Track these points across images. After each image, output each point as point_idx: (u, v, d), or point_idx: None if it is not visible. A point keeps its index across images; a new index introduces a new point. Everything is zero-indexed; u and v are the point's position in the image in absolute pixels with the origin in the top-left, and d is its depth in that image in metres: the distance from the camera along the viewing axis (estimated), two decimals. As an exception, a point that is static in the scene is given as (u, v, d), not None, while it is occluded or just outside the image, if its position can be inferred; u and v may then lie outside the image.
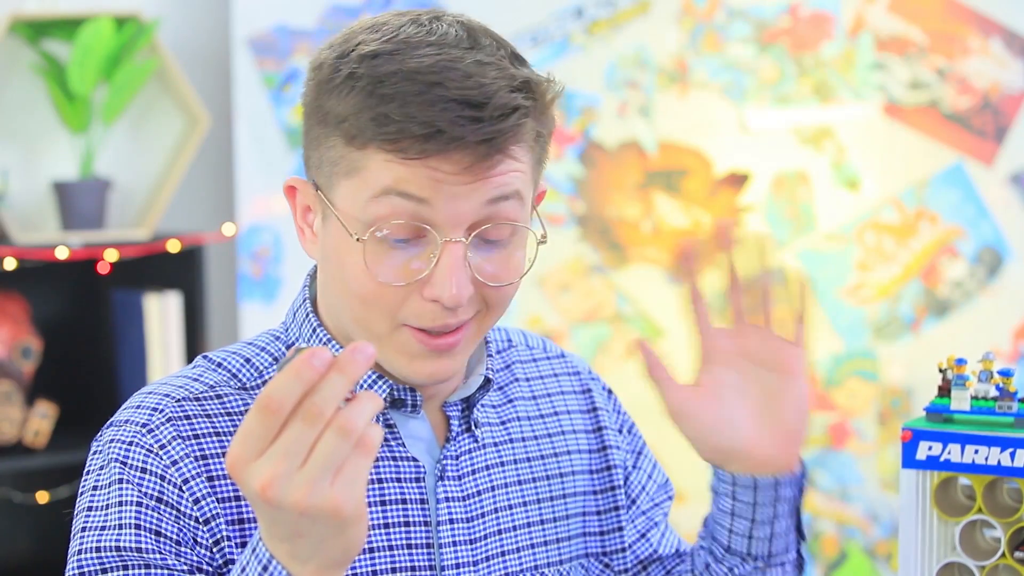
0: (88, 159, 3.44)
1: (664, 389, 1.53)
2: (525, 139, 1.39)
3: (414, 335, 1.40)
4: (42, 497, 3.51)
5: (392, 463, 1.45)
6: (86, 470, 1.44)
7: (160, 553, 1.36)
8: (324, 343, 1.47)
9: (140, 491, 1.38)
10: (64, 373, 3.56)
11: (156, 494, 1.38)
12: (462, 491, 1.49)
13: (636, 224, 3.76)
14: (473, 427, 1.50)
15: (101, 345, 3.57)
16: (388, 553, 1.43)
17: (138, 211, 3.60)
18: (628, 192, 3.76)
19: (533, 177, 1.43)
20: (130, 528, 1.36)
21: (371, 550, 1.43)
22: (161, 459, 1.39)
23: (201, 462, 1.39)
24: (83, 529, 1.39)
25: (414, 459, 1.46)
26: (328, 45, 1.43)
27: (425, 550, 1.45)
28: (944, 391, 1.40)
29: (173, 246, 3.43)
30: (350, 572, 1.41)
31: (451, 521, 1.47)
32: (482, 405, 1.53)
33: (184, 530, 1.38)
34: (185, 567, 1.37)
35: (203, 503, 1.38)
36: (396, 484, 1.45)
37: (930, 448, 1.37)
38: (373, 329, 1.40)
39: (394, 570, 1.43)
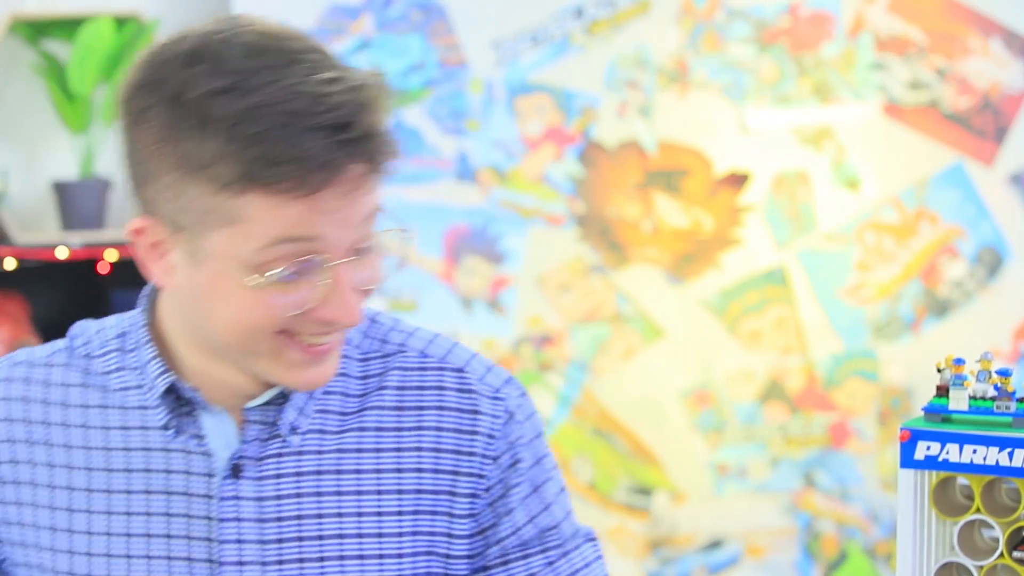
0: (88, 159, 3.44)
1: None
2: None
3: (299, 349, 1.42)
4: (42, 497, 3.51)
5: (183, 455, 1.48)
6: None
7: None
8: (153, 358, 1.49)
9: None
10: (64, 373, 3.56)
11: None
12: (258, 492, 1.47)
13: (636, 224, 3.76)
14: (285, 433, 1.48)
15: (101, 345, 3.57)
16: (166, 540, 1.47)
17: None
18: (628, 192, 3.76)
19: None
20: None
21: (149, 536, 1.47)
22: None
23: (5, 424, 1.50)
24: None
25: (206, 454, 1.47)
26: (137, 84, 1.40)
27: (205, 543, 1.47)
28: (942, 391, 1.39)
29: (173, 246, 3.43)
30: (125, 554, 1.47)
31: (238, 519, 1.47)
32: (321, 411, 1.50)
33: None
34: None
35: None
36: (184, 476, 1.47)
37: (928, 448, 1.37)
38: (256, 349, 1.42)
39: (170, 558, 1.47)
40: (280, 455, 1.48)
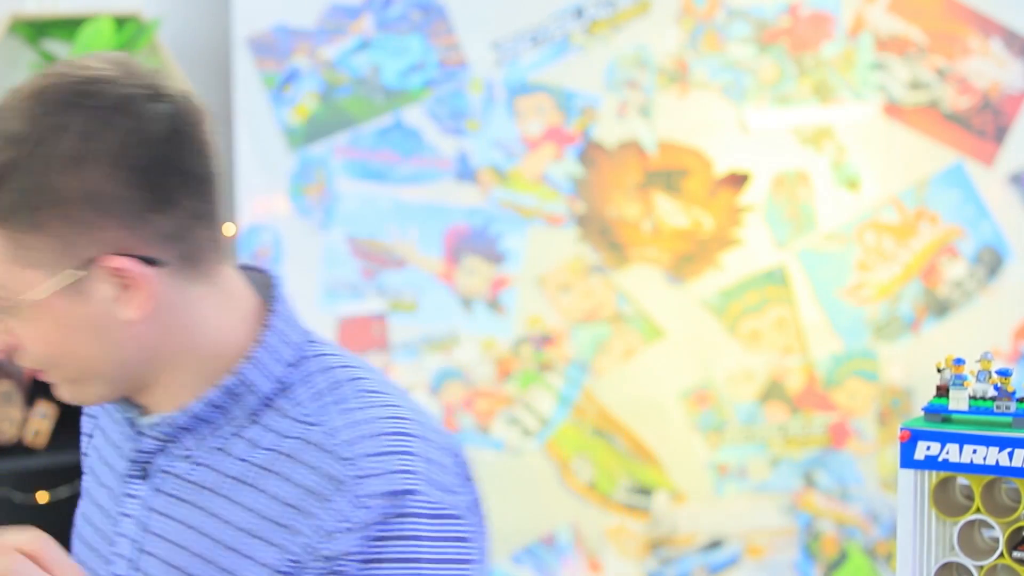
0: (88, 159, 3.44)
1: None
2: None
3: None
4: (42, 497, 3.51)
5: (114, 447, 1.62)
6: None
7: None
8: None
9: None
10: (64, 373, 3.56)
11: None
12: (151, 503, 1.53)
13: (636, 224, 3.76)
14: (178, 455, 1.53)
15: (101, 345, 3.57)
16: (100, 509, 1.59)
17: (138, 211, 3.60)
18: (628, 192, 3.76)
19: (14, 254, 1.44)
20: None
21: (98, 505, 1.59)
22: None
23: None
24: None
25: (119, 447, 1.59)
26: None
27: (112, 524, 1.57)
28: (942, 391, 1.40)
29: (173, 246, 3.43)
30: (86, 543, 1.60)
31: (128, 516, 1.55)
32: (218, 449, 1.50)
33: None
34: None
35: None
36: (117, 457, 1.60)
37: (928, 448, 1.37)
38: None
39: (98, 529, 1.59)
40: (170, 473, 1.52)
